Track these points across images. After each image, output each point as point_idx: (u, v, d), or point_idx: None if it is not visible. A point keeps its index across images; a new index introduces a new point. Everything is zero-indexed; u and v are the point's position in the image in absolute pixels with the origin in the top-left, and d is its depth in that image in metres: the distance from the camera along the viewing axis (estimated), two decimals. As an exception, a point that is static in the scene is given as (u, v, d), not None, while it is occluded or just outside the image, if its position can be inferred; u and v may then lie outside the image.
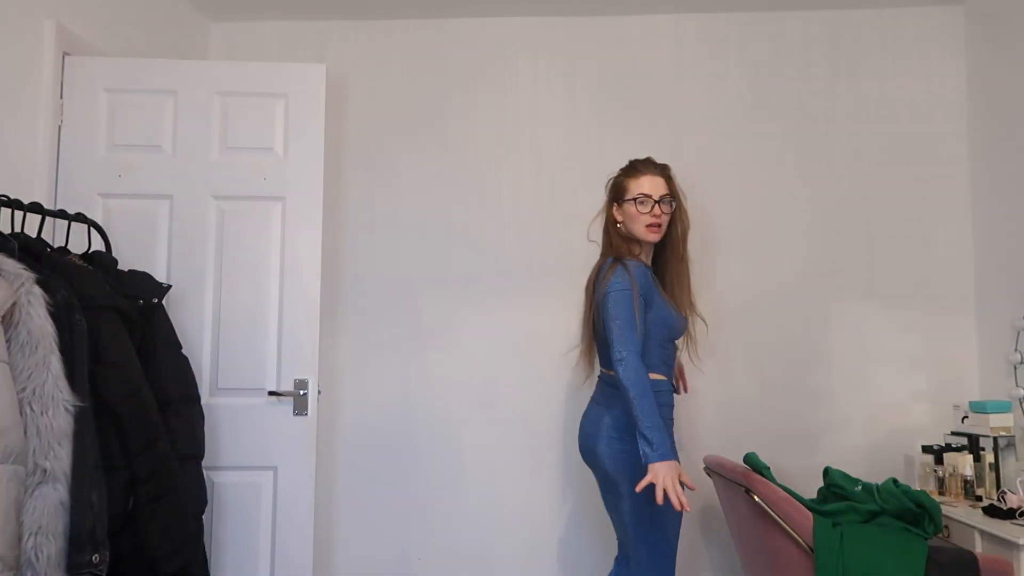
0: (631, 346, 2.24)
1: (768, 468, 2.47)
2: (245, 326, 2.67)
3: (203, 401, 2.43)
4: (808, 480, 2.96)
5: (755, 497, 2.34)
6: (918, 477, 2.93)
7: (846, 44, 3.36)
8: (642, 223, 2.45)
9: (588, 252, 3.29)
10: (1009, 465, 2.77)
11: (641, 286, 2.35)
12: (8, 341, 1.66)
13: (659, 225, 2.46)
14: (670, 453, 2.13)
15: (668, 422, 2.40)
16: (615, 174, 2.60)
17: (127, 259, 2.50)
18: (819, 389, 3.25)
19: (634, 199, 2.46)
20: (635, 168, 2.53)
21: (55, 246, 2.14)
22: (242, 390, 2.65)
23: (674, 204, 2.51)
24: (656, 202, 2.45)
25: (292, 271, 2.71)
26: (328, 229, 2.99)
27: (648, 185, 2.47)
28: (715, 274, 3.29)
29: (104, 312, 1.96)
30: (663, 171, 2.53)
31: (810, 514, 2.31)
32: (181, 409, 2.25)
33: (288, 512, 2.63)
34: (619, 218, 2.52)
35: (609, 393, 2.43)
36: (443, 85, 3.44)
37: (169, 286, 2.33)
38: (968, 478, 2.73)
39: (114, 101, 2.68)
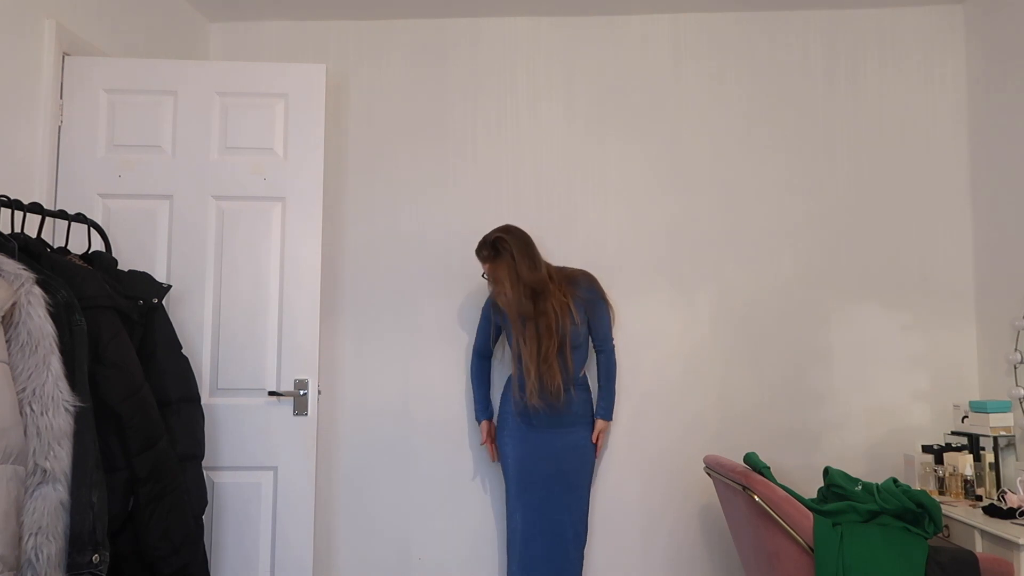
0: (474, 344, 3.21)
1: (768, 468, 2.47)
2: (245, 326, 2.67)
3: (203, 401, 2.42)
4: (808, 480, 2.96)
5: (755, 497, 2.34)
6: (918, 477, 2.92)
7: (846, 44, 3.36)
8: None
9: (587, 252, 3.30)
10: (1009, 465, 2.77)
11: (486, 308, 3.14)
12: (8, 341, 1.65)
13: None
14: (478, 417, 3.17)
15: (517, 411, 2.98)
16: None
17: (127, 259, 2.50)
18: (819, 389, 3.25)
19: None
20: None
21: (55, 246, 2.14)
22: (242, 390, 2.65)
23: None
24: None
25: (292, 271, 2.70)
26: (328, 229, 2.99)
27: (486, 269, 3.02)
28: (715, 274, 3.29)
29: (104, 312, 1.95)
30: (487, 257, 2.98)
31: (810, 514, 2.31)
32: (181, 409, 2.24)
33: (288, 512, 2.63)
34: None
35: None
36: (443, 85, 3.44)
37: (169, 286, 2.33)
38: (968, 478, 2.73)
39: (114, 101, 2.68)
